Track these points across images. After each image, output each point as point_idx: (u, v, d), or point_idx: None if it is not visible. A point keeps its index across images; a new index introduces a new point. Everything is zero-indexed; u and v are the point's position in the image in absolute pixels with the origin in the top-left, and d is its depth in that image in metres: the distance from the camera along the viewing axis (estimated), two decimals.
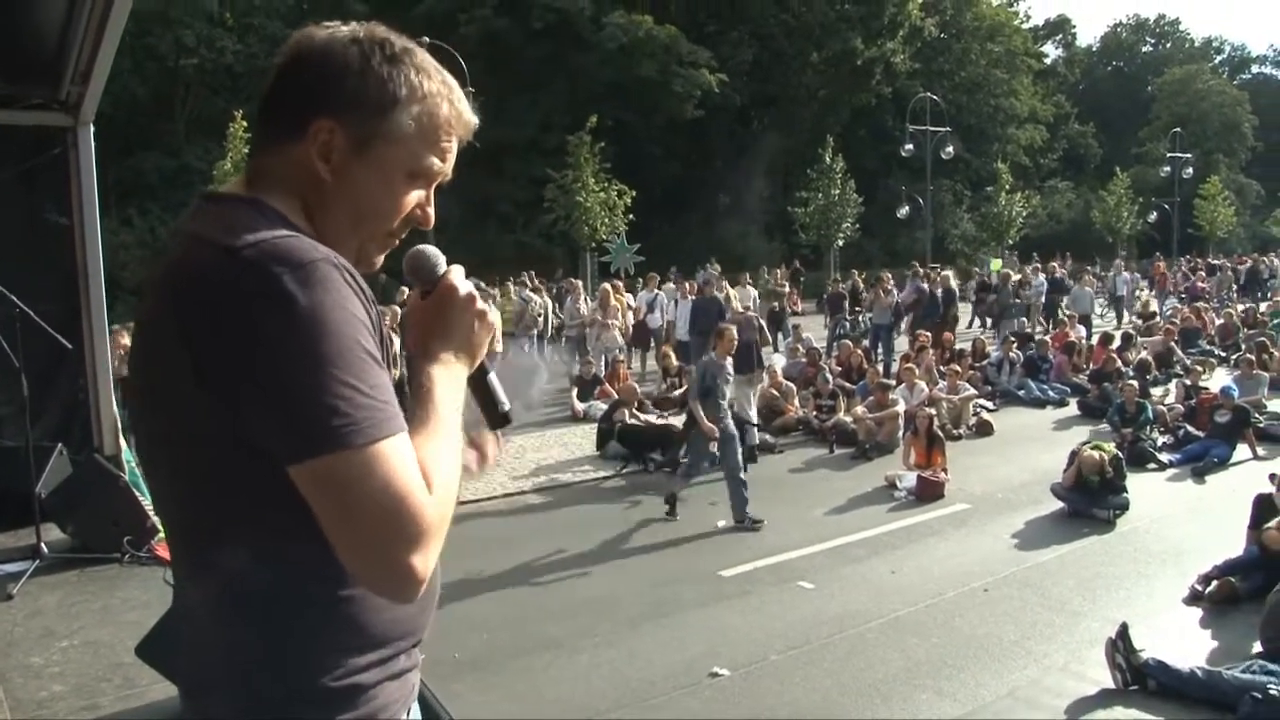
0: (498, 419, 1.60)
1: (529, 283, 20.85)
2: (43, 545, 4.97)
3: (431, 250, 1.54)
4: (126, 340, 13.65)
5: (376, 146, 1.42)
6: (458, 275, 1.55)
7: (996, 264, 25.71)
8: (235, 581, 1.35)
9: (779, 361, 16.10)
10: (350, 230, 1.47)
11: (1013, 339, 18.19)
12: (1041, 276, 25.42)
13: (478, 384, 1.56)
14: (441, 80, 1.48)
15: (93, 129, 6.49)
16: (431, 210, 1.53)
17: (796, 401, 14.00)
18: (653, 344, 18.72)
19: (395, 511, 1.24)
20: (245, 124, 27.20)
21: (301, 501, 1.26)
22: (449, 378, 1.47)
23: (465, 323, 1.52)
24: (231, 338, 1.24)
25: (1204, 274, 33.88)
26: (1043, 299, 24.14)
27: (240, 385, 1.25)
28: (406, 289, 12.89)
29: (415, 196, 1.49)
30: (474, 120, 1.54)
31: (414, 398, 1.41)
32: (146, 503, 5.82)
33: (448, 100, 1.48)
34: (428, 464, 1.32)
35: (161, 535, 5.34)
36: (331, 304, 1.25)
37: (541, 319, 18.80)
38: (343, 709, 1.37)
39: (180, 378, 1.28)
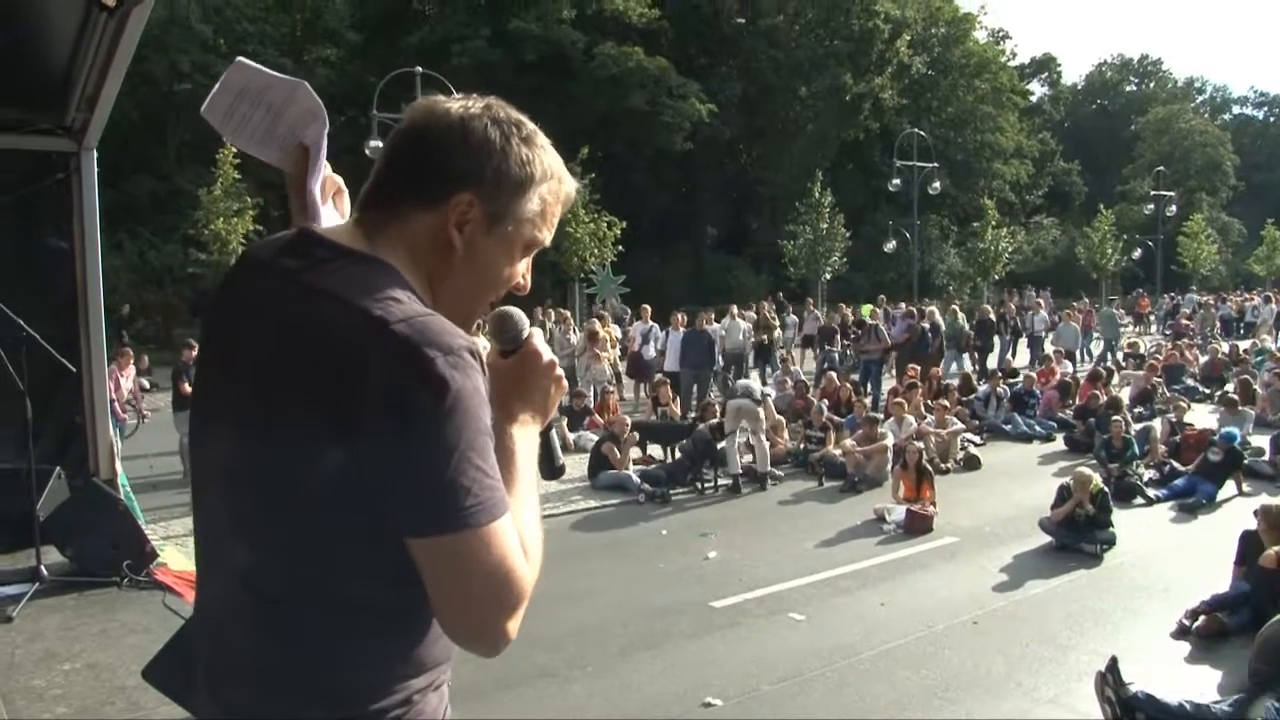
0: (552, 471, 1.71)
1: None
2: (42, 568, 4.97)
3: (518, 314, 1.63)
4: (132, 367, 13.66)
5: (507, 223, 1.51)
6: (539, 341, 1.65)
7: (867, 309, 26.19)
8: (312, 615, 1.41)
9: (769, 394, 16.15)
10: (469, 299, 1.55)
11: (999, 374, 18.34)
12: (1044, 311, 25.73)
13: (541, 444, 1.64)
14: (555, 154, 1.57)
15: (95, 154, 6.55)
16: (530, 276, 1.63)
17: (786, 434, 14.06)
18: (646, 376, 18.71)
19: (503, 585, 1.36)
20: (234, 149, 27.14)
21: (393, 552, 1.35)
22: (527, 438, 1.57)
23: (544, 387, 1.62)
24: (380, 411, 1.29)
25: (1188, 311, 34.16)
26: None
27: (380, 458, 1.30)
28: None
29: (523, 265, 1.60)
30: (574, 191, 1.63)
31: (499, 457, 1.47)
32: (144, 526, 5.84)
33: (559, 176, 1.57)
34: (522, 531, 1.43)
35: (160, 560, 5.36)
36: (472, 390, 1.33)
37: None
38: None
39: (312, 430, 1.32)
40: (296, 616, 1.41)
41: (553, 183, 1.55)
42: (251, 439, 1.42)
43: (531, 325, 1.70)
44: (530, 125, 1.54)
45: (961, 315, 22.97)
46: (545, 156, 1.54)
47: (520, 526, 1.43)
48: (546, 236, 1.58)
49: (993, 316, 23.74)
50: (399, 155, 1.49)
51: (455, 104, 1.50)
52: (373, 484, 1.31)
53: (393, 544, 1.34)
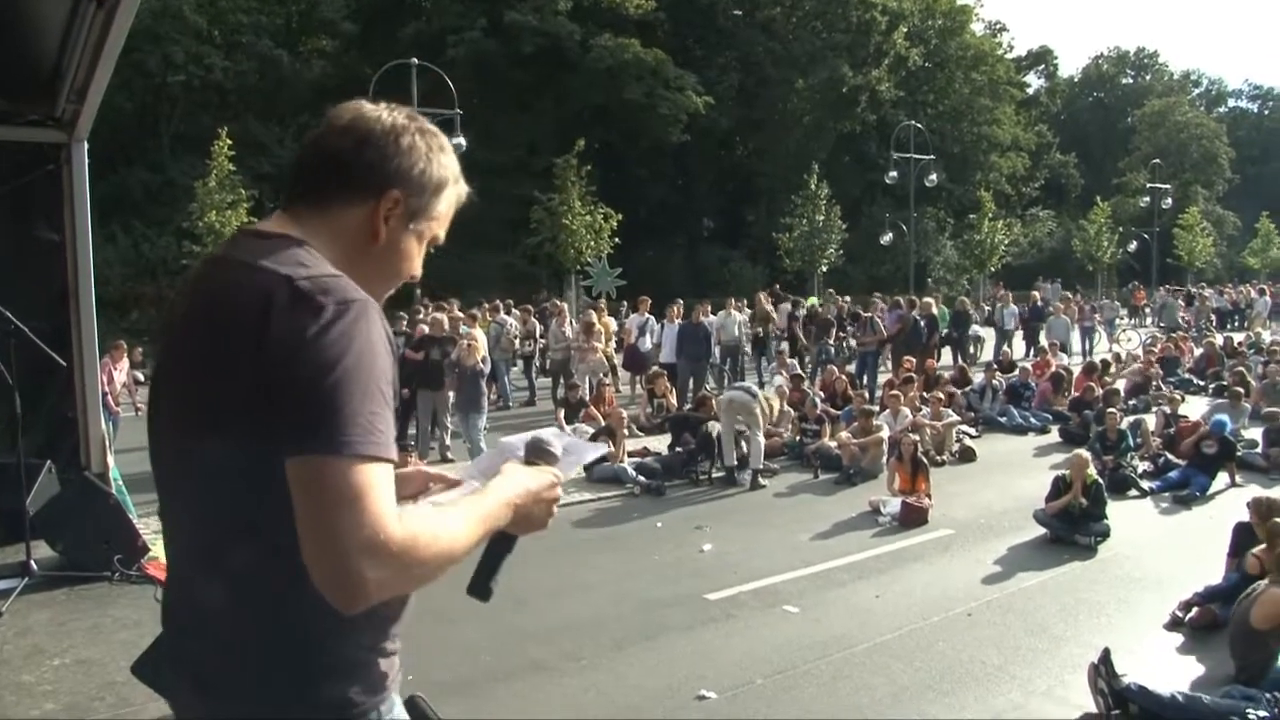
0: (484, 590, 1.80)
1: (501, 307, 20.83)
2: (32, 563, 4.95)
3: (555, 441, 1.85)
4: (125, 360, 13.62)
5: (422, 219, 1.74)
6: (559, 474, 1.82)
7: (812, 300, 26.32)
8: (257, 577, 1.53)
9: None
10: (380, 284, 1.73)
11: (995, 366, 18.36)
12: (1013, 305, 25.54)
13: (495, 550, 1.78)
14: (456, 160, 1.80)
15: (86, 145, 6.51)
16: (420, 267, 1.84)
17: (788, 425, 14.04)
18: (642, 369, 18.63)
19: (358, 520, 1.39)
20: (230, 141, 27.18)
21: None
22: (499, 510, 1.67)
23: (544, 502, 1.77)
24: (276, 345, 1.44)
25: (1183, 304, 34.19)
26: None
27: (272, 384, 1.43)
28: None
29: (420, 258, 1.80)
30: (466, 193, 1.85)
31: (473, 497, 1.66)
32: (136, 520, 5.82)
33: (459, 178, 1.80)
34: (423, 514, 1.53)
35: (152, 554, 5.34)
36: (359, 335, 1.46)
37: (519, 342, 18.79)
38: (354, 681, 1.58)
39: (235, 381, 1.47)
40: (249, 573, 1.53)
41: (459, 185, 1.79)
42: (186, 406, 1.58)
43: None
44: (443, 136, 1.78)
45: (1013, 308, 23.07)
46: (454, 163, 1.78)
47: (429, 513, 1.54)
48: (442, 233, 1.80)
49: (970, 309, 23.69)
50: (340, 153, 1.66)
51: (384, 112, 1.71)
52: (271, 411, 1.43)
53: None
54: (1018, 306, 25.44)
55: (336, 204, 1.65)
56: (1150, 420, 14.46)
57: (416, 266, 1.77)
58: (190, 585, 1.65)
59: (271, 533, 1.47)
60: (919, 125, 42.06)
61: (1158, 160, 56.29)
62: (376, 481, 1.42)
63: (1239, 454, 12.52)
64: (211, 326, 1.54)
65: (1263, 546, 7.33)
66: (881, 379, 18.72)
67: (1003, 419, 15.81)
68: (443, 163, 1.73)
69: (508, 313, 20.15)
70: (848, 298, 27.57)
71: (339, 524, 1.38)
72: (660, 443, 13.62)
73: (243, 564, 1.52)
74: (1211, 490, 11.61)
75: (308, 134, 1.74)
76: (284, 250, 1.57)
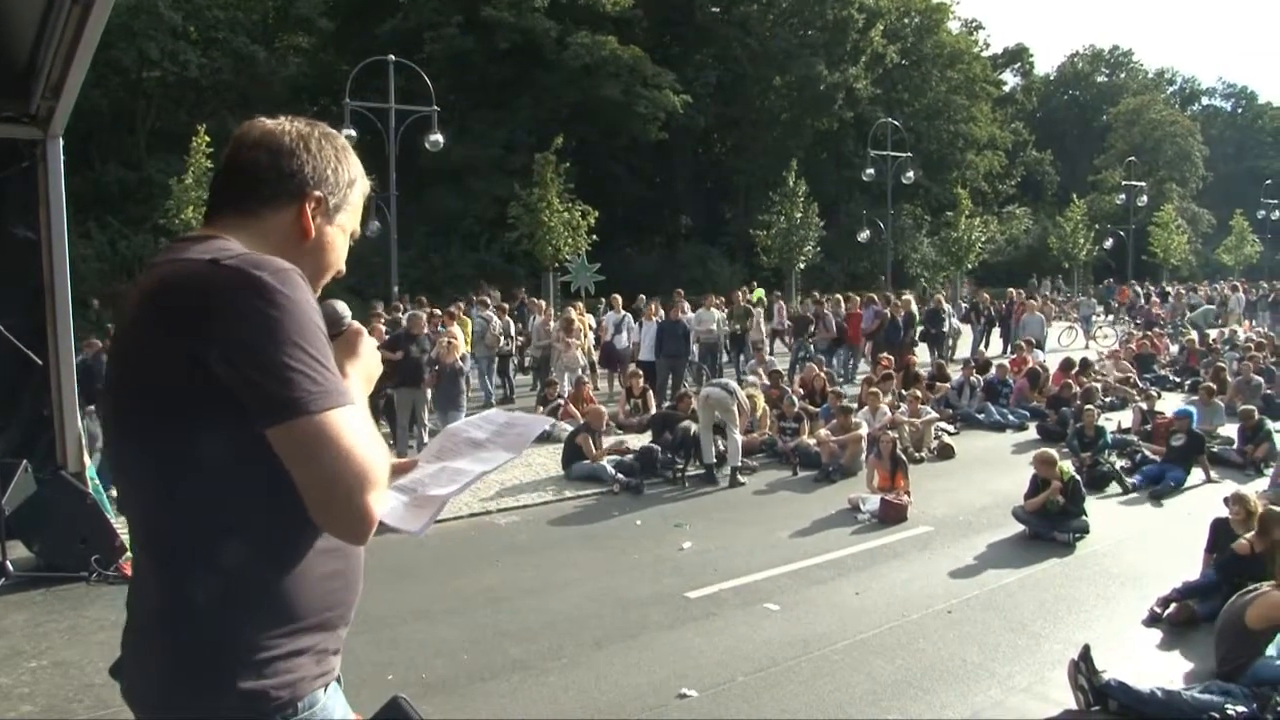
0: None
1: (488, 303, 20.70)
2: (8, 563, 4.89)
3: (343, 306, 2.00)
4: (103, 358, 13.46)
5: (341, 213, 1.90)
6: (359, 326, 1.99)
7: (758, 294, 26.56)
8: (176, 567, 1.64)
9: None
10: (312, 281, 1.80)
11: (972, 363, 18.43)
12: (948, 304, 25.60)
13: None
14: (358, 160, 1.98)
15: (61, 142, 6.45)
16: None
17: (768, 423, 14.04)
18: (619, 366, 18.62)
19: (362, 464, 1.57)
20: (208, 138, 26.98)
21: (243, 489, 1.61)
22: (362, 392, 1.84)
23: (370, 353, 1.94)
24: (221, 324, 1.54)
25: (1158, 300, 34.42)
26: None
27: (232, 361, 1.53)
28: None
29: (343, 253, 1.96)
30: (369, 187, 2.04)
31: (348, 402, 1.75)
32: (114, 519, 5.77)
33: (364, 174, 1.97)
34: (371, 438, 1.65)
35: (130, 554, 5.30)
36: (301, 299, 1.59)
37: (503, 339, 18.72)
38: (255, 675, 1.62)
39: (166, 371, 1.57)
40: (172, 549, 1.65)
41: (365, 181, 1.96)
42: (125, 394, 1.69)
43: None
44: (343, 138, 1.94)
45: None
46: (358, 162, 1.95)
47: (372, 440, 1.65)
48: (358, 226, 1.97)
49: (946, 307, 23.81)
50: (258, 166, 1.80)
51: (288, 123, 1.86)
52: (235, 387, 1.53)
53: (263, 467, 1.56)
54: (994, 304, 25.60)
55: (265, 210, 1.79)
56: (1127, 417, 14.56)
57: (341, 260, 1.93)
58: (135, 578, 1.78)
59: (192, 521, 1.61)
60: (896, 123, 42.21)
61: (1133, 158, 56.67)
62: (358, 422, 1.60)
63: (1215, 449, 12.64)
64: (144, 318, 1.66)
65: (1254, 533, 7.40)
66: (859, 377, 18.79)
67: (980, 416, 15.89)
68: (350, 161, 1.90)
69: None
70: (837, 295, 27.62)
71: (336, 472, 1.54)
72: (640, 441, 13.59)
73: (164, 555, 1.66)
74: (1187, 485, 11.72)
75: (223, 154, 1.89)
76: (207, 243, 1.69)
